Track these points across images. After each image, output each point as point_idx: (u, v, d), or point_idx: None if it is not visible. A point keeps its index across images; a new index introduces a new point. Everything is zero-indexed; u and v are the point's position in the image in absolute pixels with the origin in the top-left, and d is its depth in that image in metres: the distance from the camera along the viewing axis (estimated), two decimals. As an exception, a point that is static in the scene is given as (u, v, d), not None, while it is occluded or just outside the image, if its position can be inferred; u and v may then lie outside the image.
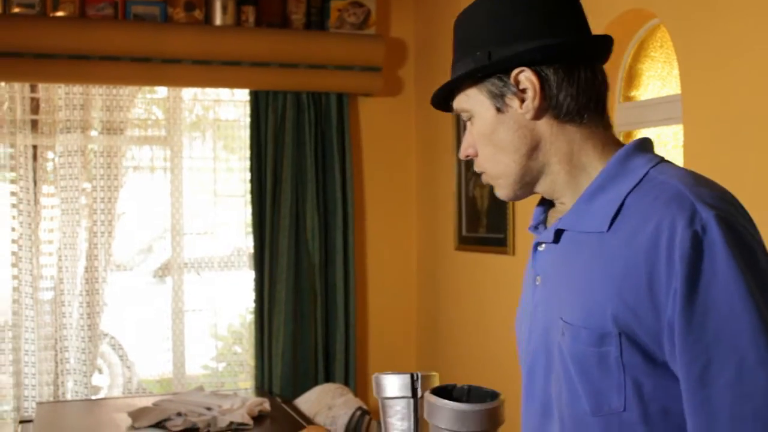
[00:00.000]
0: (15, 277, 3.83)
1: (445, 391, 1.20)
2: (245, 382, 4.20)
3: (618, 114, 2.86)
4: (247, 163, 4.02)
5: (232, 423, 3.02)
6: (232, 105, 4.24)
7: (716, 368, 1.04)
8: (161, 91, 4.17)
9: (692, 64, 2.37)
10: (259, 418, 3.20)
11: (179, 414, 3.09)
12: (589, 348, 1.13)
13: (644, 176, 1.17)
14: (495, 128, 1.24)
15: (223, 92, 4.20)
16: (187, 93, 4.14)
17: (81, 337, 3.89)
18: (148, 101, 4.30)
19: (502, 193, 1.29)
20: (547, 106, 1.22)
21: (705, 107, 2.31)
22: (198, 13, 3.84)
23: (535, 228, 1.34)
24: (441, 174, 4.01)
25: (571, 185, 1.25)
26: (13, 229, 3.82)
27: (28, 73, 3.66)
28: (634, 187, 1.16)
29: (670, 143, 2.64)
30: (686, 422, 1.09)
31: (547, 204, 1.35)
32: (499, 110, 1.23)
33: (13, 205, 3.82)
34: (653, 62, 2.77)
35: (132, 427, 3.02)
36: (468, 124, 1.28)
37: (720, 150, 2.24)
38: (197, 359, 4.27)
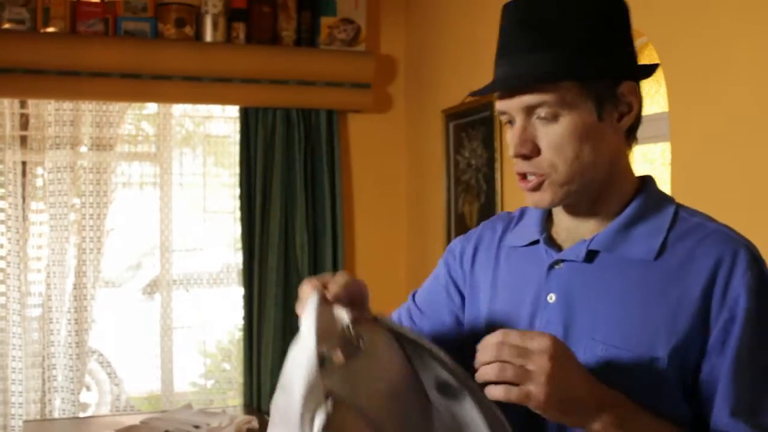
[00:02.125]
0: (2, 294, 3.81)
1: None
2: (234, 399, 4.17)
3: (606, 131, 2.86)
4: (237, 179, 4.01)
5: (220, 441, 3.00)
6: (222, 121, 4.24)
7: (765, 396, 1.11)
8: (151, 106, 4.17)
9: (679, 81, 2.39)
10: (247, 435, 3.18)
11: (167, 432, 3.07)
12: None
13: (675, 215, 1.20)
14: (589, 134, 1.14)
15: (214, 108, 4.20)
16: (177, 109, 4.14)
17: (69, 355, 3.86)
18: (138, 117, 4.30)
19: (547, 198, 1.17)
20: (632, 126, 1.20)
21: (692, 125, 2.32)
22: (188, 30, 3.84)
23: (536, 243, 1.28)
24: (430, 191, 4.02)
25: (601, 204, 1.22)
26: (2, 246, 3.81)
27: (18, 88, 3.65)
28: (672, 223, 1.19)
29: (657, 161, 2.65)
30: None
31: (541, 219, 1.29)
32: (600, 117, 1.15)
33: (2, 222, 3.80)
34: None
35: (119, 445, 3.00)
36: (535, 119, 1.15)
37: (707, 168, 2.25)
38: (186, 376, 4.25)
